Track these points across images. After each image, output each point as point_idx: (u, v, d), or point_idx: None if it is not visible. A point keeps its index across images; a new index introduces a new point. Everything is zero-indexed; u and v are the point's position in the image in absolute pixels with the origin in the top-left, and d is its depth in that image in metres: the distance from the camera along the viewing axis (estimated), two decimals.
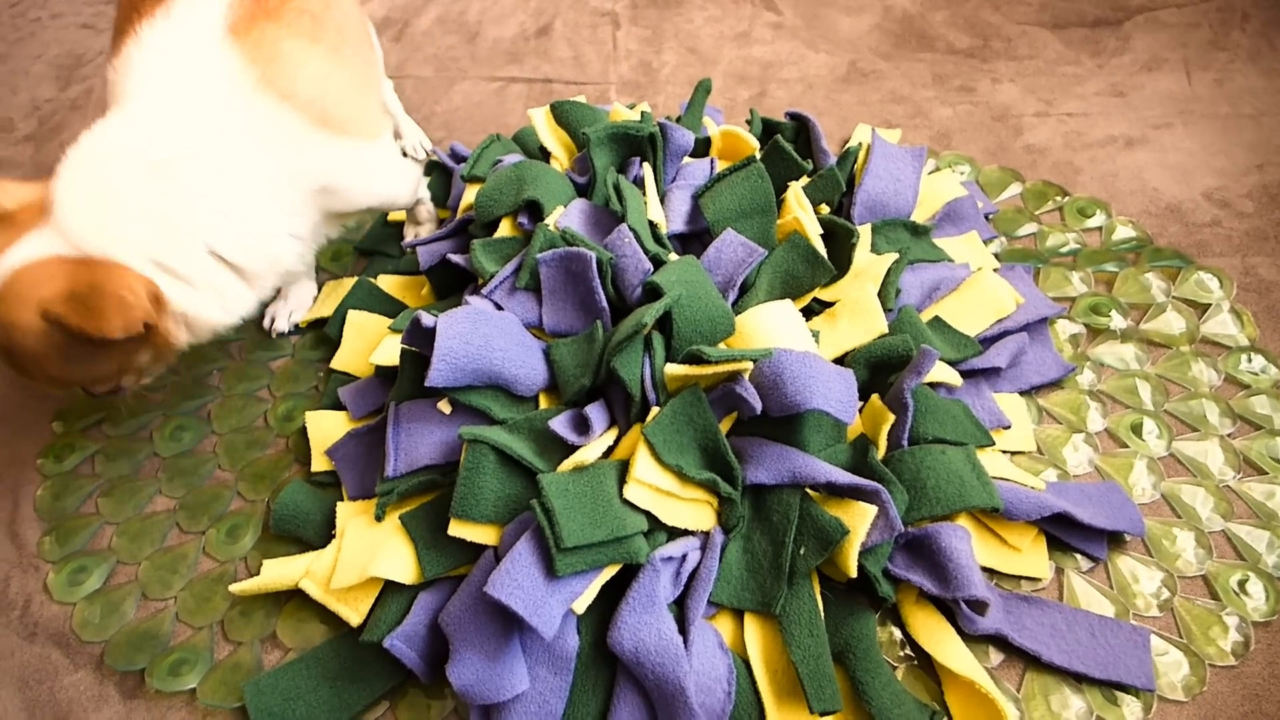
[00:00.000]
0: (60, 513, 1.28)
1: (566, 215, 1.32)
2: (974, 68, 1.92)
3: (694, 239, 1.38)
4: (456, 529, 1.05)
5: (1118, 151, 1.68)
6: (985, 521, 1.12)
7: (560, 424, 1.10)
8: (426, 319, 1.12)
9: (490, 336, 1.13)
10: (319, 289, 1.53)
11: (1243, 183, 1.59)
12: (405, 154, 1.81)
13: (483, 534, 1.06)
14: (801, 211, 1.32)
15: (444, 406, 1.16)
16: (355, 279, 1.50)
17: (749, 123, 1.60)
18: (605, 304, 1.21)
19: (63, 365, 1.06)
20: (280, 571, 1.13)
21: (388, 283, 1.50)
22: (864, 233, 1.37)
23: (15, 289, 1.02)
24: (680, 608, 1.04)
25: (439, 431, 1.15)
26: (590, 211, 1.35)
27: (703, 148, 1.53)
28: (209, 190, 1.12)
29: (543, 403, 1.19)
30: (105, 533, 1.26)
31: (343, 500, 1.21)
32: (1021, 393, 1.29)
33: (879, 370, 1.20)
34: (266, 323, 1.49)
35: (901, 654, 1.07)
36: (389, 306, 1.45)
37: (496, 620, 0.98)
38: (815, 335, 1.21)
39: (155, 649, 1.12)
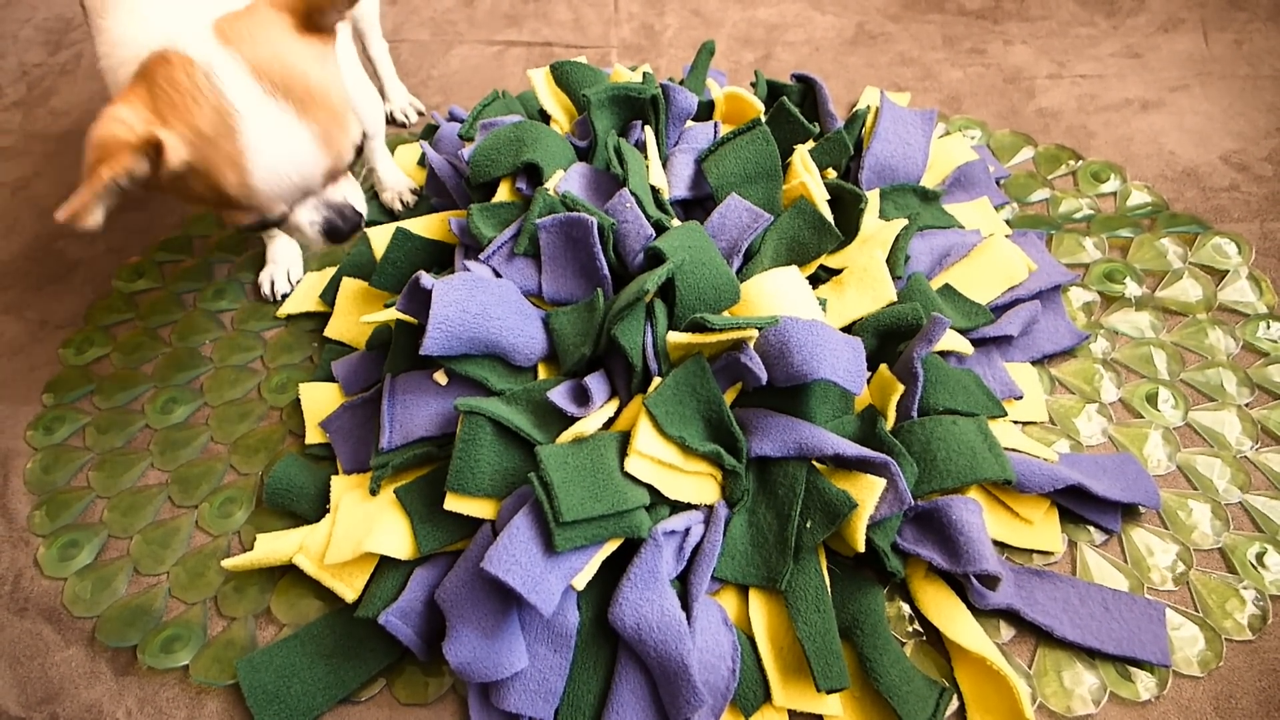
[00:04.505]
0: (51, 486, 1.26)
1: (566, 179, 1.28)
2: (985, 29, 1.87)
3: (697, 205, 1.34)
4: (453, 503, 1.03)
5: (1133, 114, 1.64)
6: (996, 494, 1.10)
7: (559, 395, 1.07)
8: (426, 279, 1.09)
9: (488, 304, 1.10)
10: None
11: (1262, 145, 1.55)
12: (393, 118, 1.78)
13: (480, 508, 1.03)
14: (808, 176, 1.28)
15: (440, 378, 1.13)
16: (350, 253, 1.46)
17: (754, 85, 1.56)
18: (606, 271, 1.17)
19: None
20: (274, 546, 1.11)
21: (421, 225, 1.41)
22: (872, 198, 1.34)
23: None
24: (683, 583, 1.01)
25: (435, 403, 1.13)
26: (591, 175, 1.31)
27: (706, 111, 1.49)
28: None
29: (541, 373, 1.16)
30: (96, 506, 1.23)
31: (337, 474, 1.18)
32: (1034, 362, 1.26)
33: (888, 339, 1.17)
34: (266, 288, 1.46)
35: (910, 630, 1.04)
36: (425, 256, 1.37)
37: (494, 597, 0.96)
38: (822, 303, 1.18)
39: (147, 625, 1.10)
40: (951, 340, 1.17)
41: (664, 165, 1.35)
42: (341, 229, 1.11)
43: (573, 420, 1.07)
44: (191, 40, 0.96)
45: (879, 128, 1.41)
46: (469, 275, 1.12)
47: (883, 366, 1.13)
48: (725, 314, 1.14)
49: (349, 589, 1.06)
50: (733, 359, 1.05)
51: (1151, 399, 1.22)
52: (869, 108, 1.45)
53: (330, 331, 1.36)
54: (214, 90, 0.94)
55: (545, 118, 1.50)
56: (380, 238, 1.39)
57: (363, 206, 1.14)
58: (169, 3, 1.01)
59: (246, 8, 1.00)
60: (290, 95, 0.98)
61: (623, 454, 1.02)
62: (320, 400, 1.27)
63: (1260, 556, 1.07)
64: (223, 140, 0.95)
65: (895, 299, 1.19)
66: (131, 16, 1.01)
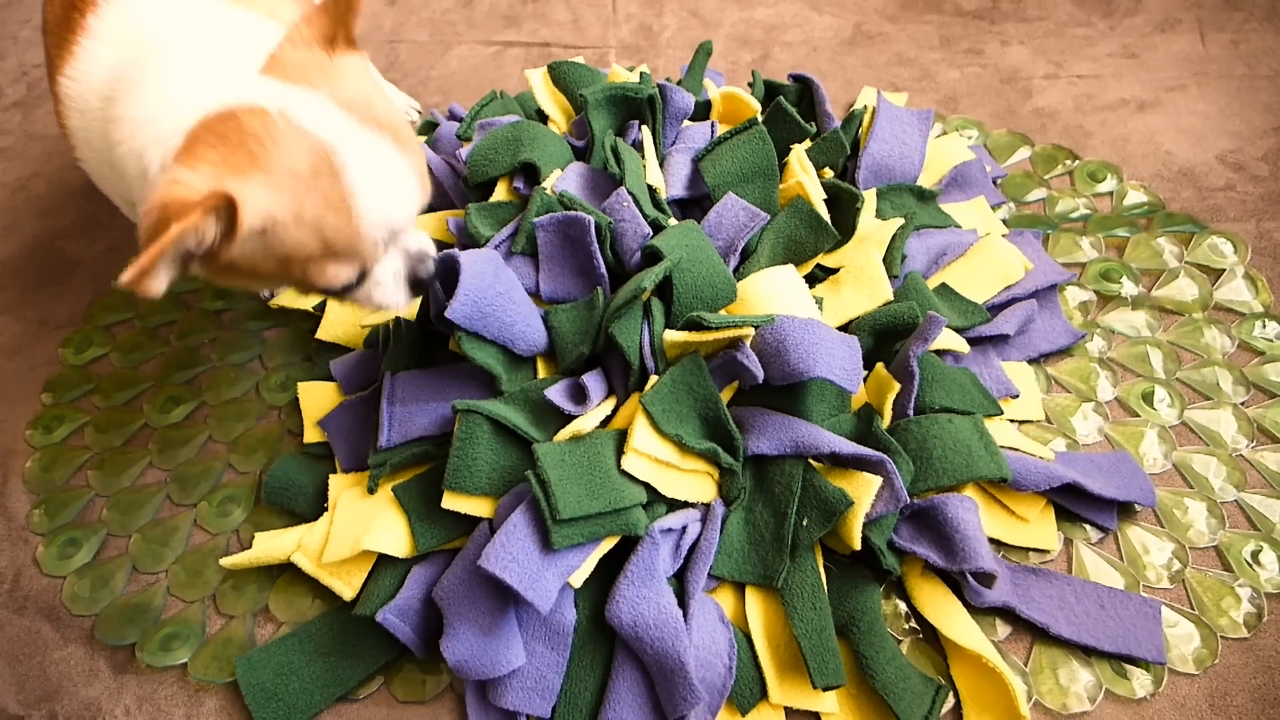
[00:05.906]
0: (50, 485, 1.26)
1: (564, 179, 1.29)
2: (982, 29, 1.87)
3: (694, 205, 1.34)
4: (450, 501, 1.03)
5: (1129, 114, 1.64)
6: (992, 492, 1.10)
7: (557, 393, 1.08)
8: (454, 252, 1.07)
9: (510, 285, 1.10)
10: None
11: (1258, 145, 1.55)
12: None
13: (477, 506, 1.04)
14: (805, 175, 1.28)
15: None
16: None
17: (751, 85, 1.56)
18: (604, 270, 1.18)
19: None
20: (272, 545, 1.11)
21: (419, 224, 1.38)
22: (869, 197, 1.34)
23: None
24: (680, 581, 1.02)
25: (433, 402, 1.13)
26: (588, 175, 1.31)
27: (703, 111, 1.49)
28: None
29: (540, 371, 1.17)
30: (96, 505, 1.23)
31: (335, 472, 1.18)
32: (1030, 361, 1.27)
33: (884, 338, 1.17)
34: (265, 290, 1.46)
35: (906, 627, 1.05)
36: None
37: (492, 594, 0.96)
38: (819, 302, 1.18)
39: (146, 623, 1.11)
40: (948, 339, 1.17)
41: (661, 165, 1.35)
42: (424, 279, 1.00)
43: (570, 418, 1.07)
44: (251, 90, 0.84)
45: (876, 127, 1.41)
46: (493, 253, 1.12)
47: (879, 365, 1.14)
48: (722, 312, 1.14)
49: (347, 587, 1.06)
50: (729, 357, 1.05)
51: (1148, 398, 1.22)
52: (866, 107, 1.45)
53: (322, 334, 1.35)
54: (299, 131, 0.82)
55: (543, 118, 1.50)
56: None
57: (433, 250, 1.02)
58: (203, 67, 0.88)
59: (277, 51, 0.88)
60: (379, 124, 0.87)
61: (620, 452, 1.03)
62: (319, 399, 1.27)
63: (1256, 554, 1.07)
64: (322, 180, 0.83)
65: (892, 298, 1.19)
66: (159, 94, 0.88)
